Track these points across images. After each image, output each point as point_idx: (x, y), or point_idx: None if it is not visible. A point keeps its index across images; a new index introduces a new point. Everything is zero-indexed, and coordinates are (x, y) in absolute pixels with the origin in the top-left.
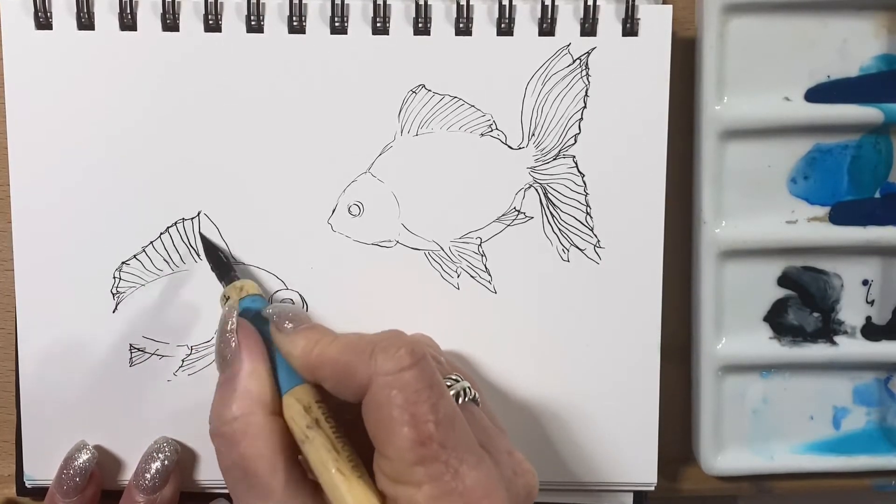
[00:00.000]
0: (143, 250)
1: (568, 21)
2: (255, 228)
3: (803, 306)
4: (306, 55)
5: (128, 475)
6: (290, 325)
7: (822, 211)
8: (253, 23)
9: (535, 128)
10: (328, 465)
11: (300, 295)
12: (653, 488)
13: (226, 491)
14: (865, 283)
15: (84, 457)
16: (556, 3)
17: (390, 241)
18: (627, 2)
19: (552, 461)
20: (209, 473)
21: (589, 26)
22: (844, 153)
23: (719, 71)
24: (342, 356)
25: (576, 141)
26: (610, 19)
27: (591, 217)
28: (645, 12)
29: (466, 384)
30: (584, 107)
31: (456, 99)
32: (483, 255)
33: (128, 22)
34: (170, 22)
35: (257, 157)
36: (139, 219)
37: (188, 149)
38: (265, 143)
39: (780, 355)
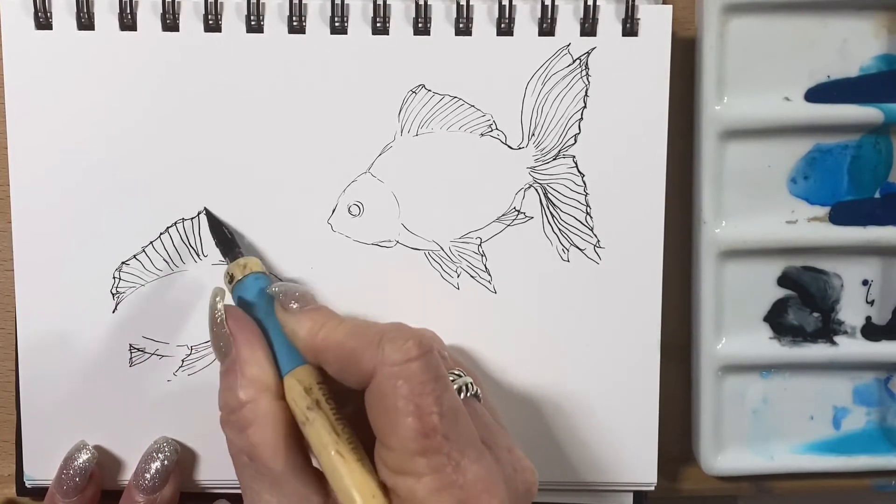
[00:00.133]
0: (143, 250)
1: (568, 21)
2: (254, 228)
3: (803, 306)
4: (306, 55)
5: (128, 475)
6: (296, 304)
7: (822, 211)
8: (253, 23)
9: (535, 128)
10: (328, 447)
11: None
12: (653, 488)
13: (226, 491)
14: (865, 283)
15: (84, 457)
16: (556, 3)
17: (390, 241)
18: (627, 2)
19: (552, 461)
20: (209, 473)
21: (589, 26)
22: (844, 153)
23: (719, 71)
24: (348, 341)
25: (576, 141)
26: (610, 19)
27: (591, 217)
28: (645, 12)
29: (469, 380)
30: (584, 107)
31: (456, 99)
32: (483, 255)
33: (128, 22)
34: (170, 22)
35: (257, 157)
36: (139, 219)
37: (188, 149)
38: (265, 143)
39: (780, 355)
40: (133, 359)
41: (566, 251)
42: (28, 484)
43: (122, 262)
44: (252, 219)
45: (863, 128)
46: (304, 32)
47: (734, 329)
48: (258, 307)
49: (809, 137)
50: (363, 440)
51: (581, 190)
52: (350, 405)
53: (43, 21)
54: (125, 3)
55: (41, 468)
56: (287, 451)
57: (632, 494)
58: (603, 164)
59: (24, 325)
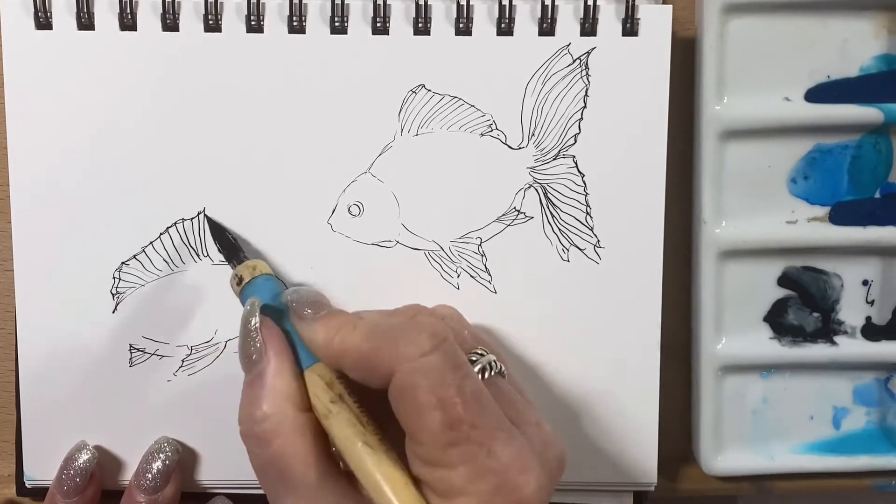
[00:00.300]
0: (143, 250)
1: (568, 21)
2: (254, 228)
3: (803, 306)
4: (306, 55)
5: (128, 475)
6: (310, 311)
7: (822, 211)
8: (253, 23)
9: (535, 128)
10: (354, 440)
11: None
12: (653, 488)
13: (227, 491)
14: (865, 283)
15: (84, 457)
16: (556, 3)
17: (390, 241)
18: (627, 2)
19: None
20: (209, 473)
21: (589, 26)
22: (844, 153)
23: (719, 71)
24: (363, 345)
25: (576, 141)
26: (610, 19)
27: (590, 217)
28: (645, 12)
29: (492, 357)
30: (584, 107)
31: (456, 99)
32: (483, 255)
33: (128, 22)
34: (170, 22)
35: (257, 157)
36: (139, 219)
37: (188, 149)
38: (265, 143)
39: (780, 355)
40: (133, 359)
41: (566, 251)
42: (28, 484)
43: (122, 263)
44: (252, 219)
45: (863, 128)
46: (304, 32)
47: (734, 329)
48: (269, 308)
49: (809, 137)
50: (388, 437)
51: (581, 190)
52: (372, 399)
53: (43, 21)
54: (125, 3)
55: (41, 468)
56: (318, 460)
57: (632, 494)
58: (603, 164)
59: (24, 325)
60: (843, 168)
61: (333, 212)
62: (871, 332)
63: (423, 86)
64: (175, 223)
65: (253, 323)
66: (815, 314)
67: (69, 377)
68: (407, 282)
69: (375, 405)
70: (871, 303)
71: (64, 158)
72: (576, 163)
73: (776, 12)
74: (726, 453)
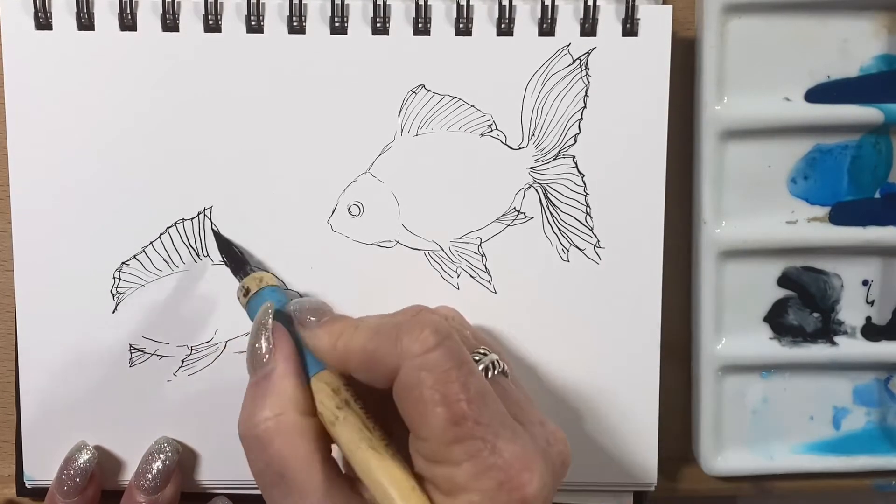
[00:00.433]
0: (143, 250)
1: (568, 21)
2: (254, 228)
3: (803, 306)
4: (306, 55)
5: (128, 475)
6: (313, 318)
7: (822, 211)
8: (253, 23)
9: (535, 128)
10: (360, 444)
11: (300, 296)
12: (653, 488)
13: (227, 491)
14: (865, 283)
15: (84, 457)
16: (556, 3)
17: (390, 241)
18: (627, 2)
19: None
20: (210, 473)
21: (589, 26)
22: (844, 153)
23: (719, 71)
24: (367, 345)
25: (576, 141)
26: (610, 19)
27: (590, 217)
28: (645, 12)
29: (495, 357)
30: (584, 107)
31: (456, 99)
32: (483, 255)
33: (128, 22)
34: (170, 22)
35: (257, 157)
36: (139, 219)
37: (188, 149)
38: (265, 143)
39: (780, 355)
40: (133, 359)
41: (566, 251)
42: (28, 484)
43: (122, 263)
44: (252, 219)
45: (863, 128)
46: (304, 32)
47: (734, 329)
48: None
49: (809, 137)
50: (394, 442)
51: (581, 190)
52: (377, 406)
53: (43, 21)
54: (125, 3)
55: (41, 468)
56: (320, 463)
57: (632, 494)
58: (603, 164)
59: (24, 325)
60: (843, 168)
61: (333, 212)
62: (871, 332)
63: (423, 86)
64: (175, 223)
65: (267, 325)
66: (815, 314)
67: (69, 377)
68: (407, 282)
69: (381, 412)
70: (871, 303)
71: (64, 158)
72: (576, 163)
73: (776, 12)
74: (726, 453)
